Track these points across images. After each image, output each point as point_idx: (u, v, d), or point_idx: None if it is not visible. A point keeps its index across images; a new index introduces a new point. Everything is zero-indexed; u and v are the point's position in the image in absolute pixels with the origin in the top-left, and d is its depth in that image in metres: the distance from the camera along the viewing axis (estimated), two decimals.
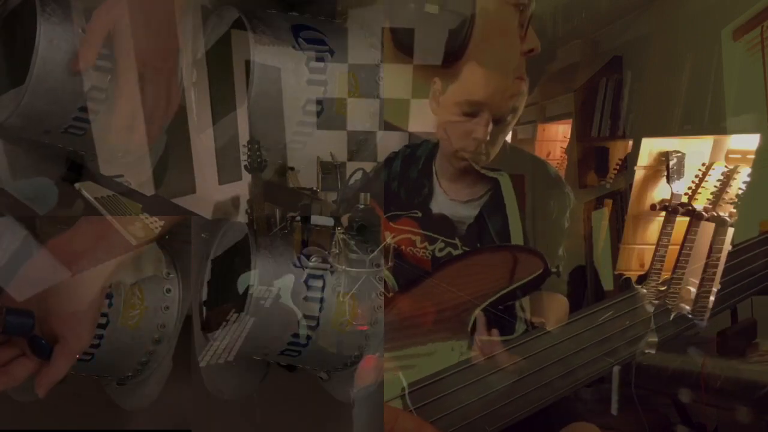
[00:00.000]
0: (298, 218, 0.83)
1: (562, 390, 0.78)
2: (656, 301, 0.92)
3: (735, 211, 0.96)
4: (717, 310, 0.88)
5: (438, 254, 0.90)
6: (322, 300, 0.81)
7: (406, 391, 0.73)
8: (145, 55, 0.74)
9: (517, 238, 0.90)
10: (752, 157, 0.96)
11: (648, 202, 1.04)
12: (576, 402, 0.90)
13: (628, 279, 1.03)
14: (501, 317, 0.82)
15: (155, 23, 0.75)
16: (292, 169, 0.88)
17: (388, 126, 0.92)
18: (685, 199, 1.00)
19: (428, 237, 0.91)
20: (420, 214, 0.92)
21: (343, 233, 0.82)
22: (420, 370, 0.74)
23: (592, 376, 0.83)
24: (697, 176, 1.01)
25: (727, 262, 0.89)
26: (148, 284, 0.81)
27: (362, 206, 0.86)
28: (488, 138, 0.88)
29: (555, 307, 0.91)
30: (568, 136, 1.26)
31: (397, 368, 0.77)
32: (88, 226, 0.76)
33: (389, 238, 0.89)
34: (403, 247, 0.90)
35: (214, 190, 0.86)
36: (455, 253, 0.90)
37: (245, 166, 0.82)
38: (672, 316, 0.92)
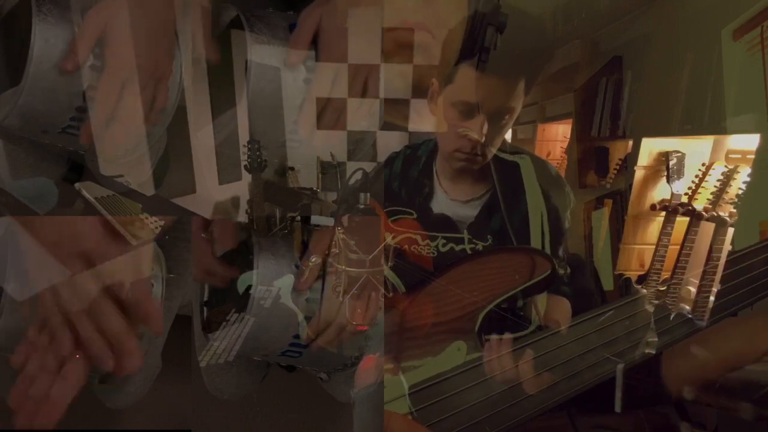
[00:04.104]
0: (298, 218, 0.83)
1: (568, 392, 0.78)
2: (656, 302, 0.92)
3: (735, 211, 0.96)
4: (719, 317, 0.88)
5: (442, 249, 0.90)
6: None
7: (407, 393, 0.73)
8: (138, 57, 0.73)
9: (536, 224, 0.90)
10: (752, 157, 0.96)
11: (648, 202, 1.04)
12: None
13: (628, 279, 1.03)
14: (510, 319, 0.82)
15: (151, 26, 0.75)
16: (292, 169, 0.88)
17: (387, 126, 0.92)
18: (685, 199, 1.00)
19: (428, 234, 0.91)
20: (415, 215, 0.92)
21: (343, 233, 0.82)
22: (426, 370, 0.74)
23: (598, 378, 0.83)
24: (697, 176, 1.00)
25: (728, 267, 0.89)
26: None
27: (362, 206, 0.86)
28: (484, 139, 0.88)
29: (558, 311, 0.91)
30: (568, 136, 1.26)
31: (401, 369, 0.76)
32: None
33: (389, 239, 0.89)
34: (406, 247, 0.90)
35: (214, 190, 0.86)
36: (458, 248, 0.90)
37: (245, 166, 0.82)
38: (672, 316, 0.92)
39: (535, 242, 0.90)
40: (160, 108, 0.78)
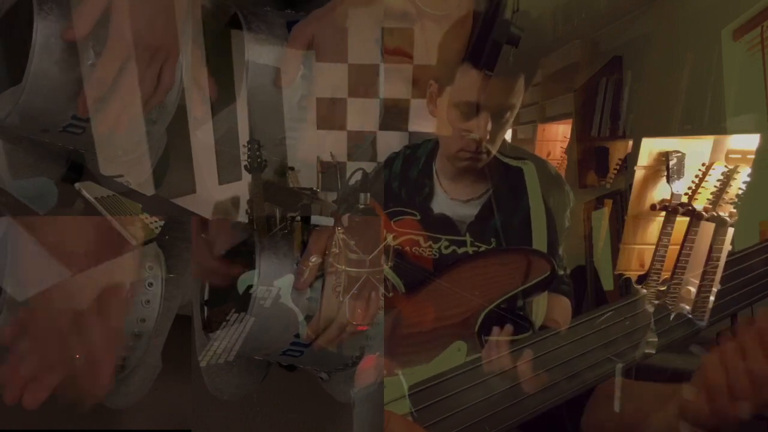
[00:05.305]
0: (298, 218, 0.83)
1: (569, 392, 0.79)
2: (656, 302, 0.92)
3: (735, 211, 0.96)
4: (717, 318, 0.88)
5: (444, 251, 0.90)
6: None
7: (407, 393, 0.73)
8: (141, 34, 0.73)
9: (539, 228, 0.90)
10: (752, 157, 0.96)
11: (648, 202, 1.04)
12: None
13: (628, 279, 1.03)
14: (510, 319, 0.82)
15: (154, 5, 0.74)
16: (292, 169, 0.88)
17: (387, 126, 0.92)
18: (685, 199, 1.00)
19: (431, 236, 0.91)
20: (419, 216, 0.92)
21: (343, 233, 0.82)
22: (426, 370, 0.74)
23: (599, 378, 0.84)
24: (697, 176, 1.00)
25: (728, 267, 0.89)
26: None
27: (362, 206, 0.86)
28: (488, 137, 0.88)
29: (558, 310, 0.91)
30: (568, 136, 1.26)
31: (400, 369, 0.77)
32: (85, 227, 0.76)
33: (390, 239, 0.89)
34: (408, 248, 0.90)
35: (214, 190, 0.86)
36: (460, 250, 0.90)
37: (245, 166, 0.82)
38: (672, 317, 0.92)
39: (536, 244, 0.90)
40: (166, 88, 0.77)
